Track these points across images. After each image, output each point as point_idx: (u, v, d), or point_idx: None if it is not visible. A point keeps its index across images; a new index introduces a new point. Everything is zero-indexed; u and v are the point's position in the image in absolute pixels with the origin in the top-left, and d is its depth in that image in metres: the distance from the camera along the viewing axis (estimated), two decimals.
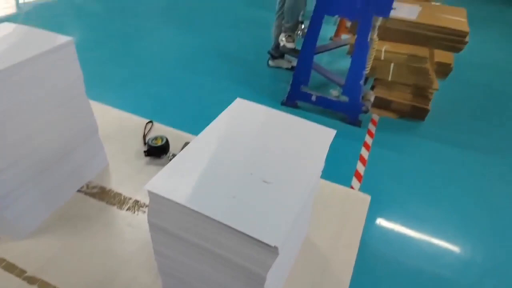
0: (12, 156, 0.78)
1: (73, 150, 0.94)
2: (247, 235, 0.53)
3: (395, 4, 2.05)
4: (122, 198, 0.97)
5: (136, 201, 0.96)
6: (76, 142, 0.95)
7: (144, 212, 0.93)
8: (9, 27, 0.91)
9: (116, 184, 1.01)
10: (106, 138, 1.09)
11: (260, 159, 0.67)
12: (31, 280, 0.77)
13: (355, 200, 1.05)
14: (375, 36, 2.29)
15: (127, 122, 1.26)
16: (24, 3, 4.32)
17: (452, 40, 2.37)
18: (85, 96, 0.94)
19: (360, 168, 2.10)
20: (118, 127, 1.21)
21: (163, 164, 1.09)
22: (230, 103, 0.82)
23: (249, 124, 0.76)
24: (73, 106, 0.91)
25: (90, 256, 0.83)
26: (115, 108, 1.32)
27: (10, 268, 0.79)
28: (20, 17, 3.82)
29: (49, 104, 0.85)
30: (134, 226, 0.90)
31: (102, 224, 0.90)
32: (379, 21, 2.24)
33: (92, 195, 0.98)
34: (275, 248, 0.53)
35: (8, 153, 0.77)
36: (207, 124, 0.76)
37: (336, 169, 2.05)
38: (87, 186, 1.00)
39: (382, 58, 2.45)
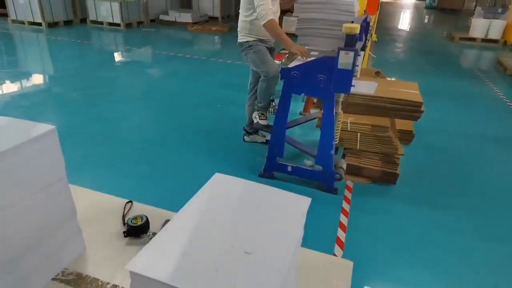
0: None
1: (48, 235, 0.93)
2: None
3: (354, 82, 2.28)
4: (100, 283, 0.94)
5: (115, 286, 0.93)
6: (53, 227, 0.94)
7: None
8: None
9: (93, 269, 0.98)
10: (84, 222, 1.08)
11: (240, 231, 0.70)
12: None
13: (338, 266, 1.06)
14: (339, 110, 2.50)
15: (106, 204, 1.26)
16: (2, 94, 4.44)
17: (409, 110, 2.62)
18: (65, 181, 0.96)
19: (341, 234, 2.11)
20: (96, 209, 1.21)
21: (144, 244, 1.07)
22: (208, 179, 0.87)
23: (228, 197, 0.80)
24: (52, 191, 0.93)
25: None
26: (94, 191, 1.33)
27: None
28: None
29: (28, 191, 0.86)
30: None
31: None
32: (341, 97, 2.47)
33: (68, 282, 0.94)
34: None
35: None
36: (187, 200, 0.79)
37: (318, 237, 2.05)
38: (63, 273, 0.97)
39: (349, 129, 2.64)
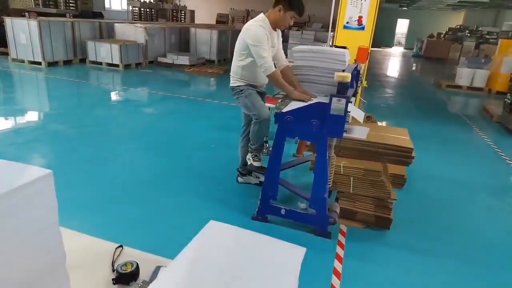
0: None
1: (36, 282, 0.90)
2: None
3: (346, 127, 2.34)
4: None
5: None
6: (41, 274, 0.91)
7: None
8: None
9: None
10: (72, 267, 1.05)
11: (235, 284, 0.69)
12: None
13: None
14: (332, 154, 2.54)
15: (95, 248, 1.23)
16: None
17: (401, 156, 2.67)
18: (57, 225, 0.95)
19: (335, 282, 2.06)
20: (85, 254, 1.18)
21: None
22: (202, 221, 0.86)
23: (222, 247, 0.80)
24: (43, 236, 0.91)
25: None
26: (83, 234, 1.30)
27: None
28: None
29: (19, 236, 0.84)
30: None
31: None
32: (334, 141, 2.52)
33: None
34: None
35: None
36: (179, 245, 0.78)
37: (312, 283, 2.00)
38: None
39: (342, 172, 2.66)
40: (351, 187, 2.66)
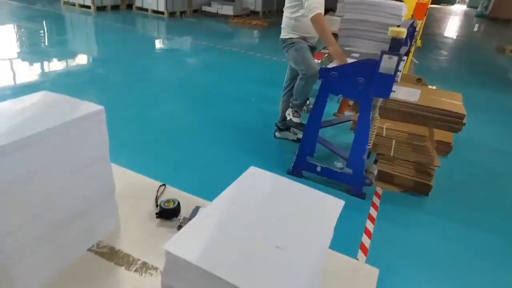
0: (27, 215, 0.82)
1: (88, 210, 0.98)
2: None
3: (394, 87, 2.22)
4: (131, 259, 0.98)
5: (145, 263, 0.97)
6: (93, 202, 0.99)
7: (152, 274, 0.93)
8: (46, 95, 1.01)
9: (126, 245, 1.03)
10: (119, 199, 1.13)
11: (273, 226, 0.71)
12: None
13: (363, 272, 1.04)
14: (376, 115, 2.44)
15: (140, 184, 1.31)
16: (50, 72, 4.69)
17: (451, 121, 2.51)
18: (108, 160, 1.01)
19: (366, 241, 2.08)
20: (132, 189, 1.26)
21: (174, 227, 1.11)
22: (239, 171, 0.87)
23: (262, 191, 0.81)
24: (95, 168, 0.97)
25: None
26: (130, 170, 1.38)
27: None
28: (46, 84, 4.11)
29: (74, 167, 0.90)
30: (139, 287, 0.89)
31: (108, 285, 0.90)
32: (379, 101, 2.41)
33: (101, 254, 0.99)
34: None
35: (24, 211, 0.81)
36: (217, 190, 0.80)
37: (341, 240, 2.01)
38: (97, 245, 1.02)
39: (384, 135, 2.57)
40: (392, 150, 2.58)
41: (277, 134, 3.22)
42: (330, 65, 2.39)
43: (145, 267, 0.96)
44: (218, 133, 3.26)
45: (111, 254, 0.99)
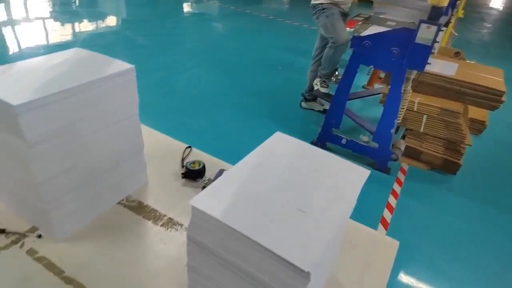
0: (66, 164, 0.86)
1: (119, 164, 1.02)
2: (282, 258, 0.56)
3: (430, 59, 2.11)
4: (158, 214, 1.02)
5: (170, 219, 1.01)
6: (123, 158, 1.02)
7: (177, 230, 0.98)
8: (80, 52, 1.03)
9: (153, 200, 1.07)
10: (148, 158, 1.16)
11: (296, 190, 0.71)
12: (68, 280, 0.81)
13: (383, 244, 1.05)
14: (408, 88, 2.35)
15: (167, 145, 1.34)
16: (81, 32, 4.75)
17: (488, 98, 2.39)
18: (137, 118, 1.03)
19: (387, 215, 2.07)
20: (159, 149, 1.29)
21: (198, 187, 1.14)
22: (262, 138, 0.87)
23: (287, 156, 0.81)
24: (126, 125, 1.00)
25: (122, 265, 0.87)
26: (157, 131, 1.41)
27: (50, 267, 0.84)
28: (77, 44, 4.19)
29: (106, 121, 0.93)
30: (166, 242, 0.94)
31: (137, 236, 0.95)
32: (413, 74, 2.31)
33: (130, 208, 1.04)
34: (308, 273, 0.55)
35: (63, 161, 0.85)
36: (240, 155, 0.81)
37: (362, 212, 2.02)
38: (127, 199, 1.07)
39: (415, 109, 2.48)
40: (422, 126, 2.50)
41: (303, 104, 3.18)
42: (364, 33, 2.29)
43: (170, 222, 1.00)
44: (244, 100, 3.25)
45: (139, 208, 1.04)
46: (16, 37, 4.44)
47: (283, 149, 0.84)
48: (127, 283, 0.83)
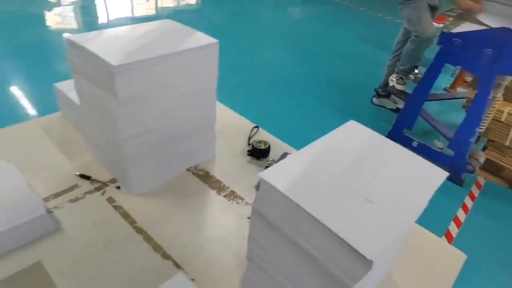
0: (146, 126, 0.94)
1: (192, 134, 1.08)
2: (346, 243, 0.55)
3: None
4: (222, 185, 1.07)
5: (233, 191, 1.05)
6: (197, 128, 1.08)
7: (238, 203, 1.01)
8: (169, 23, 1.10)
9: (219, 172, 1.12)
10: (218, 132, 1.21)
11: (366, 180, 0.69)
12: (138, 230, 0.90)
13: (448, 254, 0.98)
14: (498, 95, 2.12)
15: (236, 123, 1.38)
16: (163, 8, 5.03)
17: None
18: (214, 92, 1.08)
19: (453, 229, 1.92)
20: (229, 125, 1.34)
21: (262, 166, 1.17)
22: (329, 128, 0.85)
23: (360, 145, 0.79)
24: (204, 97, 1.05)
25: (186, 227, 0.93)
26: (228, 108, 1.46)
27: (125, 215, 0.93)
28: (160, 18, 4.45)
29: (187, 91, 0.99)
30: (227, 213, 0.98)
31: (201, 202, 1.01)
32: (506, 80, 2.07)
33: (198, 176, 1.10)
34: (370, 262, 0.54)
35: (145, 122, 0.93)
36: (305, 141, 0.80)
37: (427, 219, 1.91)
38: (195, 167, 1.13)
39: (503, 119, 2.24)
40: (509, 139, 2.25)
41: (375, 100, 3.04)
42: (455, 30, 2.10)
43: (233, 195, 1.04)
44: (315, 87, 3.21)
45: (206, 177, 1.09)
46: (105, 7, 4.86)
47: (356, 138, 0.82)
48: (189, 244, 0.88)
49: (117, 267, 0.81)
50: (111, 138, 0.94)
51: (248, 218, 0.96)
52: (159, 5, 5.12)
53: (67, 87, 1.21)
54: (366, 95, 3.10)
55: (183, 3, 5.33)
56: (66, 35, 4.24)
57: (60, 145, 1.15)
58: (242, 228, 0.93)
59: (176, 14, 4.75)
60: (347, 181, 0.68)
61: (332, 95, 3.12)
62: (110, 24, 4.66)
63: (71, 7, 5.10)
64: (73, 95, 1.16)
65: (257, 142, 1.21)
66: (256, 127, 1.37)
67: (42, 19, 4.75)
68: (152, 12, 4.76)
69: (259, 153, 1.19)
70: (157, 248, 0.86)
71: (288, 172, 0.68)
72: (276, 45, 4.13)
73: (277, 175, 0.66)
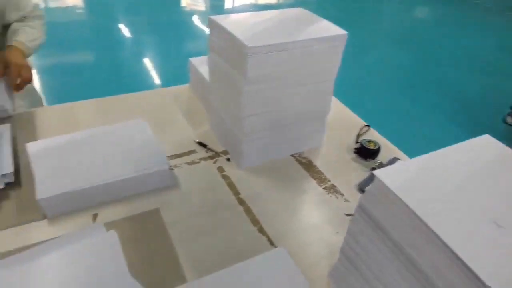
0: (265, 107, 0.98)
1: (304, 121, 1.10)
2: (466, 265, 0.50)
3: None
4: (323, 177, 1.07)
5: (333, 185, 1.04)
6: (309, 116, 1.10)
7: (337, 198, 1.01)
8: (302, 11, 1.12)
9: (322, 164, 1.12)
10: (328, 124, 1.20)
11: (496, 201, 0.62)
12: (241, 201, 0.96)
13: None
14: None
15: (347, 118, 1.36)
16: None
17: None
18: (332, 83, 1.07)
19: None
20: (338, 118, 1.32)
21: (368, 166, 1.13)
22: (445, 141, 0.76)
23: (492, 162, 0.71)
24: (322, 87, 1.06)
25: (283, 208, 0.96)
26: (340, 102, 1.44)
27: (231, 186, 1.01)
28: (282, 7, 4.55)
29: (307, 79, 1.01)
30: (326, 205, 0.98)
31: (300, 189, 1.03)
32: None
33: (301, 163, 1.12)
34: None
35: (264, 104, 0.98)
36: (416, 150, 0.74)
37: None
38: (299, 154, 1.15)
39: None
40: None
41: (509, 119, 2.63)
42: None
43: (333, 189, 1.03)
44: (433, 95, 2.93)
45: (308, 166, 1.11)
46: None
47: (489, 154, 0.73)
48: (284, 225, 0.92)
49: (218, 228, 0.89)
50: (233, 113, 1.01)
51: (346, 215, 0.95)
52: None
53: (198, 62, 1.34)
54: (497, 112, 2.70)
55: None
56: (196, 17, 4.66)
57: (185, 113, 1.30)
58: (337, 223, 0.93)
59: (297, 4, 4.81)
60: (472, 197, 0.62)
61: (453, 106, 2.81)
62: (235, 9, 4.97)
63: None
64: (202, 70, 1.29)
65: (367, 141, 1.17)
66: (367, 125, 1.32)
67: (176, 1, 5.32)
68: (274, 0, 4.91)
69: (367, 153, 1.16)
70: (254, 221, 0.91)
71: (405, 176, 0.64)
72: (395, 44, 3.87)
73: (394, 177, 0.63)
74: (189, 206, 0.94)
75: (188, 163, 1.07)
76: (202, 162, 1.09)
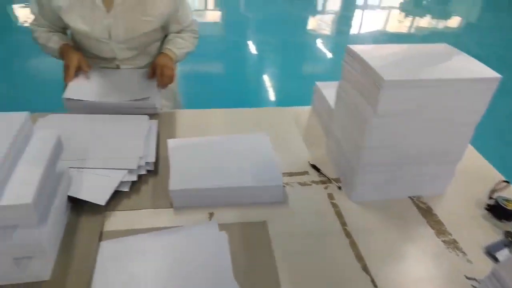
0: (389, 142, 0.94)
1: (430, 163, 1.01)
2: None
3: None
4: (443, 229, 0.97)
5: (455, 241, 0.94)
6: (437, 159, 1.01)
7: (458, 255, 0.90)
8: (446, 47, 1.04)
9: (443, 213, 1.02)
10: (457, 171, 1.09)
11: None
12: (347, 233, 0.94)
13: None
14: None
15: (480, 167, 1.21)
16: (419, 27, 4.79)
17: None
18: (473, 128, 0.97)
19: None
20: (470, 167, 1.18)
21: (500, 228, 0.98)
22: None
23: None
24: (459, 131, 0.97)
25: (392, 250, 0.90)
26: (475, 150, 1.29)
27: (339, 215, 1.00)
28: (415, 38, 4.30)
29: (444, 120, 0.93)
30: (440, 259, 0.89)
31: (414, 236, 0.95)
32: None
33: (418, 207, 1.04)
34: None
35: (389, 139, 0.94)
36: None
37: None
38: (418, 198, 1.07)
39: None
40: None
41: None
42: None
43: (454, 244, 0.93)
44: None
45: (426, 213, 1.02)
46: (361, 20, 5.09)
47: None
48: (391, 273, 0.85)
49: (321, 254, 0.88)
50: (354, 142, 1.00)
51: (467, 277, 0.84)
52: (417, 24, 4.96)
53: (324, 87, 1.37)
54: None
55: (441, 26, 4.96)
56: (320, 41, 4.75)
57: (303, 134, 1.33)
58: (454, 284, 0.82)
59: (431, 35, 4.48)
60: None
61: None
62: (361, 36, 4.90)
63: (332, 15, 5.67)
64: (327, 94, 1.31)
65: (504, 200, 1.02)
66: (507, 181, 1.15)
67: (304, 22, 5.51)
68: (405, 30, 4.67)
69: (502, 213, 1.00)
70: (359, 257, 0.88)
71: None
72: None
73: None
74: (295, 225, 0.96)
75: (300, 183, 1.10)
76: (314, 185, 1.10)
